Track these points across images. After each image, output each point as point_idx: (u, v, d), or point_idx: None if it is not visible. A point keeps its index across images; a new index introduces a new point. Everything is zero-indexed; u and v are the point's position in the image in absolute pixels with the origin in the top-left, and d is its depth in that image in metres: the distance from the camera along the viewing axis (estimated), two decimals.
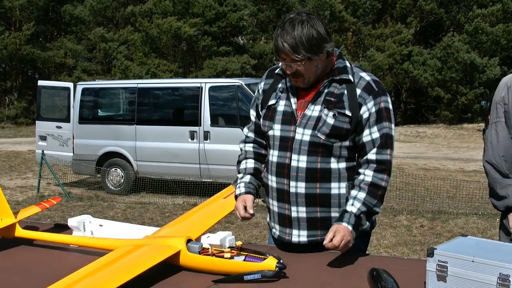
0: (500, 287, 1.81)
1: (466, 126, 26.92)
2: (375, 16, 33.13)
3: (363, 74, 2.50)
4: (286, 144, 2.50)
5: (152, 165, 11.09)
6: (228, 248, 2.30)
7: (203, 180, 10.76)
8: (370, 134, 2.46)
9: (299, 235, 2.55)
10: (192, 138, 10.68)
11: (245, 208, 2.57)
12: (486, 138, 2.92)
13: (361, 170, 2.49)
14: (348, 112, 2.43)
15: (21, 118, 31.66)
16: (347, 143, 2.47)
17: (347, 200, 2.47)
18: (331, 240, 2.31)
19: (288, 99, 2.54)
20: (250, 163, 2.71)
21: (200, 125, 10.62)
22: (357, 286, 2.14)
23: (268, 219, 2.75)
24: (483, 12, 28.79)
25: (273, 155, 2.56)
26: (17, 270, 2.43)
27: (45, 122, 12.41)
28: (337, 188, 2.50)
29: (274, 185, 2.56)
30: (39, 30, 33.58)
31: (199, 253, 2.30)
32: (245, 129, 2.80)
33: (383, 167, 2.47)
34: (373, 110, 2.44)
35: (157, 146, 10.97)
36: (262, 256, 2.22)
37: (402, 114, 33.07)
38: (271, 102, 2.58)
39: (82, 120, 11.79)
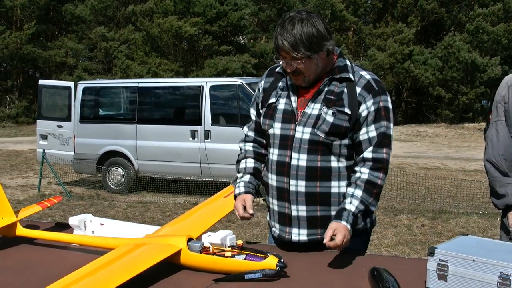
0: (501, 286, 1.81)
1: (467, 126, 26.91)
2: (376, 15, 33.11)
3: (364, 73, 2.50)
4: (286, 142, 2.50)
5: (153, 164, 11.09)
6: (229, 247, 2.30)
7: (204, 179, 10.76)
8: (367, 133, 2.45)
9: (299, 234, 2.55)
10: (193, 137, 10.68)
11: (245, 207, 2.56)
12: (487, 137, 2.94)
13: (357, 168, 2.48)
14: (347, 110, 2.43)
15: (22, 117, 31.68)
16: (346, 141, 2.47)
17: (344, 197, 2.46)
18: (331, 238, 2.30)
19: (288, 97, 2.53)
20: (250, 163, 2.69)
21: (201, 124, 10.62)
22: (358, 285, 2.14)
23: (268, 218, 2.75)
24: (484, 11, 28.76)
25: (273, 154, 2.55)
26: (18, 269, 2.43)
27: (46, 121, 12.42)
28: (337, 186, 2.49)
29: (274, 183, 2.55)
30: (40, 29, 33.59)
31: (200, 252, 2.30)
32: (245, 128, 2.79)
33: (379, 165, 2.46)
34: (372, 108, 2.44)
35: (158, 145, 10.97)
36: (263, 255, 2.22)
37: (403, 114, 33.06)
38: (272, 100, 2.58)
39: (83, 119, 11.79)
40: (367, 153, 2.45)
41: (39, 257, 2.60)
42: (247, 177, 2.66)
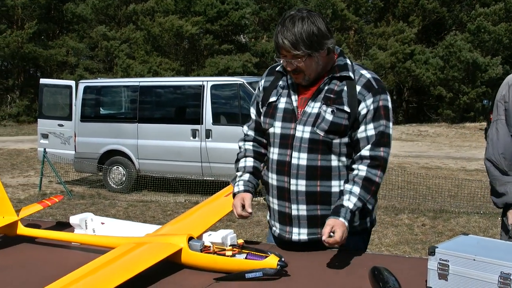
0: (501, 286, 1.81)
1: (468, 125, 26.89)
2: (377, 14, 33.10)
3: (364, 72, 2.49)
4: (287, 141, 2.49)
5: (154, 163, 11.09)
6: (229, 246, 2.30)
7: (205, 178, 10.76)
8: (365, 131, 2.44)
9: (299, 233, 2.54)
10: (194, 136, 10.69)
11: (243, 206, 2.54)
12: (488, 136, 2.95)
13: (354, 166, 2.47)
14: (346, 108, 2.42)
15: (23, 116, 31.70)
16: (346, 139, 2.46)
17: (341, 194, 2.43)
18: (330, 235, 2.27)
19: (289, 96, 2.53)
20: (249, 162, 2.68)
21: (202, 124, 10.62)
22: (359, 285, 2.14)
23: (268, 217, 2.74)
24: (486, 11, 28.75)
25: (274, 153, 2.55)
26: (19, 268, 2.43)
27: (47, 120, 12.43)
28: (338, 186, 2.48)
29: (275, 183, 2.55)
30: (41, 28, 33.60)
31: (201, 251, 2.30)
32: (245, 127, 2.77)
33: (376, 162, 2.44)
34: (371, 107, 2.43)
35: (159, 144, 10.97)
36: (264, 254, 2.22)
37: (404, 113, 33.04)
38: (272, 99, 2.57)
39: (84, 118, 11.80)
40: (365, 151, 2.44)
41: (40, 256, 2.61)
42: (246, 176, 2.64)
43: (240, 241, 2.34)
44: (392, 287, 1.97)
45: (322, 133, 2.43)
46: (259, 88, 2.69)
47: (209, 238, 2.34)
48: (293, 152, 2.47)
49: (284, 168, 2.50)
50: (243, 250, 2.28)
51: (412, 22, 31.08)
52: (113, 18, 33.70)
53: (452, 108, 29.07)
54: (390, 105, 2.50)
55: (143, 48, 29.55)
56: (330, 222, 2.32)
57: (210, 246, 2.32)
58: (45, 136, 12.37)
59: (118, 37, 30.75)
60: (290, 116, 2.50)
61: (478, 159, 15.44)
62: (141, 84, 11.71)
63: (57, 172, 11.27)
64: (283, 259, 2.20)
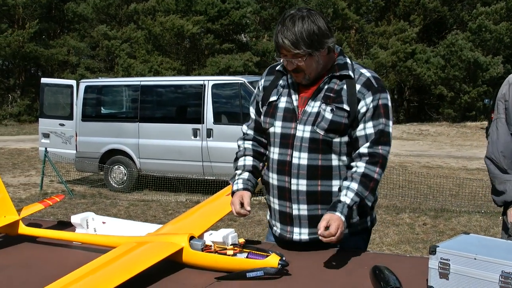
0: (502, 285, 1.82)
1: (469, 124, 26.87)
2: (378, 13, 33.08)
3: (364, 71, 2.49)
4: (287, 141, 2.49)
5: (155, 162, 11.10)
6: (230, 245, 2.30)
7: (206, 177, 10.76)
8: (364, 129, 2.43)
9: (300, 233, 2.54)
10: (195, 135, 10.69)
11: (242, 204, 2.52)
12: (488, 134, 2.96)
13: (353, 163, 2.46)
14: (346, 107, 2.42)
15: (24, 116, 31.71)
16: (346, 138, 2.46)
17: (339, 190, 2.42)
18: (325, 229, 2.25)
19: (289, 95, 2.52)
20: (248, 161, 2.67)
21: (203, 123, 10.63)
22: (360, 284, 2.14)
23: (268, 217, 2.74)
24: (487, 10, 28.73)
25: (274, 153, 2.54)
26: (20, 267, 2.44)
27: (48, 119, 12.43)
28: (338, 185, 2.47)
29: (275, 182, 2.54)
30: (42, 28, 33.60)
31: (202, 250, 2.30)
32: (244, 127, 2.76)
33: (375, 159, 2.42)
34: (371, 106, 2.42)
35: (160, 144, 10.98)
36: (265, 253, 2.23)
37: (405, 112, 33.02)
38: (272, 98, 2.56)
39: (85, 117, 11.80)
40: (363, 148, 2.43)
41: (41, 255, 2.61)
42: (245, 175, 2.63)
43: (241, 240, 2.34)
44: (393, 286, 1.97)
45: (322, 132, 2.42)
46: (258, 88, 2.68)
47: (210, 237, 2.34)
48: (294, 152, 2.47)
49: (284, 167, 2.50)
50: (244, 249, 2.28)
51: (413, 21, 31.06)
52: (114, 18, 33.70)
53: (453, 107, 29.06)
54: (389, 103, 2.49)
55: (144, 47, 29.55)
56: (326, 216, 2.30)
57: (211, 245, 2.32)
58: (46, 135, 12.38)
59: (119, 37, 30.75)
60: (291, 115, 2.50)
61: (479, 158, 15.41)
62: (142, 83, 11.71)
63: (58, 172, 11.27)
64: (284, 258, 2.20)
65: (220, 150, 10.25)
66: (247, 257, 2.24)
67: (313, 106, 2.46)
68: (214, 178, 10.61)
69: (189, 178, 10.95)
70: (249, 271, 2.17)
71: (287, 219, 2.55)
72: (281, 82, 2.58)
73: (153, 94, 11.69)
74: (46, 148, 11.33)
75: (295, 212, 2.51)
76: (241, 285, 2.14)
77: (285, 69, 2.55)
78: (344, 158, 2.49)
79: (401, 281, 2.00)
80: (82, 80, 12.71)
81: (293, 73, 2.47)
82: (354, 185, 2.38)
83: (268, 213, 2.73)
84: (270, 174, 2.57)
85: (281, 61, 2.50)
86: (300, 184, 2.47)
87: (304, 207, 2.49)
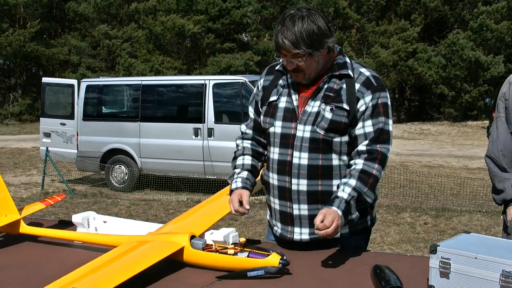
0: (503, 284, 1.82)
1: (470, 124, 26.85)
2: (379, 13, 33.06)
3: (363, 70, 2.49)
4: (287, 141, 2.48)
5: (156, 162, 11.10)
6: (231, 244, 2.30)
7: (207, 177, 10.77)
8: (363, 127, 2.43)
9: (301, 233, 2.53)
10: (196, 135, 10.69)
11: (241, 202, 2.50)
12: (490, 133, 2.98)
13: (352, 162, 2.45)
14: (345, 106, 2.41)
15: (25, 115, 31.72)
16: (346, 138, 2.45)
17: (337, 187, 2.41)
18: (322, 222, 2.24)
19: (289, 95, 2.52)
20: (247, 160, 2.65)
21: (204, 122, 10.63)
22: (360, 283, 2.14)
23: (268, 216, 2.73)
24: (488, 9, 28.71)
25: (274, 153, 2.54)
26: (22, 266, 2.44)
27: (49, 119, 12.44)
28: None
29: (276, 182, 2.54)
30: (43, 27, 33.61)
31: (203, 250, 2.31)
32: (243, 126, 2.76)
33: (374, 156, 2.41)
34: (370, 104, 2.41)
35: (161, 143, 10.98)
36: (266, 253, 2.23)
37: (406, 111, 33.00)
38: (272, 98, 2.56)
39: (86, 117, 11.81)
40: (362, 146, 2.42)
41: (42, 255, 2.61)
42: (244, 173, 2.61)
43: (242, 239, 2.34)
44: (394, 286, 1.97)
45: (322, 132, 2.42)
46: (258, 87, 2.68)
47: (211, 237, 2.34)
48: (294, 152, 2.46)
49: (285, 167, 2.49)
50: (245, 249, 2.28)
51: (414, 21, 31.05)
52: (115, 17, 33.71)
53: (454, 106, 29.04)
54: (389, 102, 2.49)
55: (145, 47, 29.55)
56: (323, 211, 2.28)
57: (212, 245, 2.32)
58: (47, 135, 12.39)
59: (120, 36, 30.76)
60: (291, 115, 2.49)
61: (480, 158, 15.40)
62: (143, 83, 11.72)
63: (59, 171, 11.28)
64: (285, 258, 2.20)
65: (221, 149, 10.25)
66: (248, 256, 2.24)
67: (313, 106, 2.46)
68: (215, 177, 10.61)
69: (190, 178, 10.95)
70: (250, 270, 2.17)
71: (287, 219, 2.55)
72: (280, 82, 2.57)
73: (154, 94, 11.70)
74: (47, 148, 11.35)
75: (295, 212, 2.51)
76: (242, 284, 2.14)
77: (284, 69, 2.54)
78: (344, 157, 2.48)
79: (401, 280, 2.00)
80: (83, 80, 12.71)
81: (293, 73, 2.47)
82: (352, 181, 2.37)
83: (268, 213, 2.72)
84: (270, 174, 2.57)
85: (281, 60, 2.50)
86: (300, 184, 2.47)
87: (304, 207, 2.49)
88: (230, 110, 10.94)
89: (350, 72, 2.46)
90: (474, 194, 9.62)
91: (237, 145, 2.73)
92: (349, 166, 2.46)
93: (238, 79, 10.72)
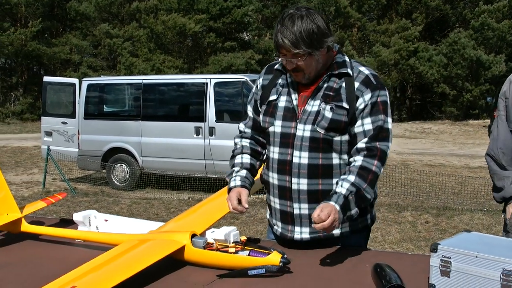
0: (503, 283, 1.82)
1: (472, 123, 26.83)
2: (380, 12, 33.04)
3: (362, 68, 2.48)
4: (287, 140, 2.48)
5: (158, 160, 11.11)
6: (232, 243, 2.30)
7: (208, 175, 10.78)
8: (362, 125, 2.42)
9: (301, 232, 2.53)
10: (197, 134, 10.70)
11: (239, 201, 2.49)
12: (491, 132, 3.00)
13: (351, 159, 2.44)
14: (345, 105, 2.41)
15: (26, 114, 31.74)
16: (347, 137, 2.45)
17: (336, 184, 2.40)
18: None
19: (289, 94, 2.52)
20: (246, 158, 2.65)
21: (205, 121, 10.63)
22: (361, 281, 2.15)
23: (268, 216, 2.73)
24: (489, 8, 28.68)
25: (274, 152, 2.53)
26: (23, 265, 2.44)
27: (51, 118, 12.45)
28: None
29: (276, 182, 2.54)
30: (45, 26, 33.62)
31: (204, 248, 2.31)
32: (241, 125, 2.75)
33: (373, 153, 2.40)
34: (369, 102, 2.41)
35: (163, 142, 10.99)
36: (266, 251, 2.23)
37: (408, 110, 32.99)
38: (272, 97, 2.55)
39: (88, 116, 11.83)
40: (361, 144, 2.42)
41: (44, 253, 2.62)
42: (243, 172, 2.60)
43: (243, 238, 2.34)
44: (395, 284, 1.97)
45: (322, 131, 2.42)
46: (257, 86, 2.67)
47: (212, 235, 2.34)
48: (294, 151, 2.46)
49: (285, 167, 2.49)
50: (246, 247, 2.28)
51: (415, 20, 31.02)
52: (116, 16, 33.71)
53: (456, 105, 29.02)
54: (388, 101, 2.48)
55: (146, 46, 29.56)
56: (320, 205, 2.27)
57: (213, 243, 2.32)
58: (48, 133, 12.40)
59: (121, 35, 30.76)
60: (291, 115, 2.49)
61: (482, 157, 15.32)
62: (145, 82, 11.72)
63: (60, 170, 11.29)
64: (285, 256, 2.20)
65: (222, 148, 10.25)
66: (248, 254, 2.25)
67: (313, 105, 2.45)
68: (216, 176, 10.62)
69: (191, 176, 10.96)
70: (251, 268, 2.17)
71: (288, 218, 2.55)
72: (280, 81, 2.57)
73: (155, 93, 11.70)
74: (48, 146, 11.36)
75: (296, 211, 2.51)
76: (243, 283, 2.15)
77: (283, 68, 2.54)
78: (345, 156, 2.48)
79: (402, 279, 2.01)
80: (84, 79, 12.72)
81: (293, 73, 2.46)
82: (351, 177, 2.36)
83: (268, 212, 2.72)
84: (270, 173, 2.56)
85: (280, 60, 2.50)
86: (301, 183, 2.46)
87: (305, 206, 2.49)
88: (231, 109, 10.95)
89: (349, 70, 2.45)
90: (475, 193, 9.62)
91: (236, 144, 2.72)
92: (349, 164, 2.46)
93: (239, 78, 10.73)
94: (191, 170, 10.87)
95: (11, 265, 2.44)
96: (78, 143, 11.86)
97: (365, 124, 2.42)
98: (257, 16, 32.13)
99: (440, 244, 1.98)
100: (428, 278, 2.02)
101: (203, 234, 2.44)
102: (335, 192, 2.33)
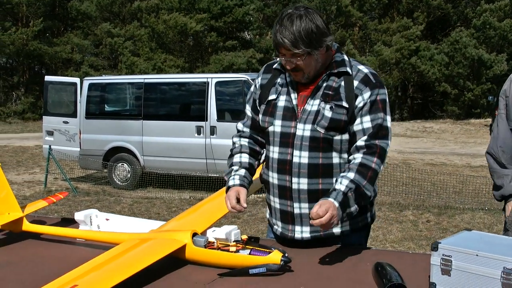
0: (504, 281, 1.82)
1: (473, 122, 26.84)
2: (382, 11, 33.04)
3: (361, 67, 2.48)
4: (287, 140, 2.47)
5: (159, 160, 11.12)
6: (233, 242, 2.30)
7: (210, 175, 10.78)
8: (361, 123, 2.41)
9: (302, 231, 2.53)
10: (199, 133, 10.70)
11: (238, 200, 2.48)
12: (492, 131, 3.01)
13: (350, 157, 2.43)
14: (345, 104, 2.40)
15: (28, 114, 31.78)
16: (346, 136, 2.44)
17: (336, 181, 2.39)
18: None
19: (288, 94, 2.51)
20: (244, 158, 2.63)
21: (207, 120, 10.64)
22: (362, 280, 2.15)
23: (268, 215, 2.72)
24: (491, 7, 28.67)
25: (274, 152, 2.52)
26: (24, 264, 2.45)
27: (52, 117, 12.47)
28: None
29: (276, 181, 2.53)
30: (46, 26, 33.67)
31: (205, 247, 2.31)
32: (240, 124, 2.73)
33: (373, 150, 2.39)
34: (368, 100, 2.40)
35: (164, 141, 11.00)
36: (267, 250, 2.23)
37: (409, 109, 32.98)
38: (271, 97, 2.54)
39: (89, 115, 11.84)
40: (360, 142, 2.41)
41: (45, 252, 2.62)
42: (242, 171, 2.59)
43: (244, 237, 2.34)
44: (395, 283, 1.98)
45: (322, 131, 2.41)
46: (255, 86, 2.66)
47: (213, 234, 2.34)
48: (294, 151, 2.45)
49: (285, 167, 2.48)
50: (246, 246, 2.28)
51: (417, 18, 31.02)
52: (117, 15, 33.74)
53: (457, 104, 29.03)
54: (387, 99, 2.48)
55: (148, 45, 29.59)
56: (319, 202, 2.26)
57: (214, 242, 2.32)
58: (50, 133, 12.41)
59: (122, 34, 30.80)
60: (290, 114, 2.48)
61: (483, 156, 15.21)
62: (146, 81, 11.73)
63: (62, 169, 11.30)
64: (286, 255, 2.20)
65: (223, 147, 10.23)
66: (249, 253, 2.25)
67: (313, 105, 2.45)
68: (217, 175, 10.62)
69: (192, 176, 10.96)
70: (252, 267, 2.17)
71: (288, 217, 2.54)
72: (279, 80, 2.56)
73: (157, 92, 11.71)
74: (50, 146, 11.38)
75: (296, 210, 2.51)
76: (244, 282, 2.15)
77: (282, 67, 2.53)
78: (345, 155, 2.47)
79: (403, 278, 2.01)
80: (86, 78, 12.74)
81: (292, 72, 2.45)
82: (351, 174, 2.35)
83: (268, 211, 2.71)
84: (270, 173, 2.55)
85: (278, 59, 2.49)
86: (301, 183, 2.46)
87: (305, 205, 2.48)
88: (232, 108, 10.94)
89: (348, 69, 2.45)
90: (476, 192, 9.61)
91: (234, 143, 2.71)
92: (348, 162, 2.45)
93: (240, 77, 10.73)
94: (192, 169, 10.88)
95: (13, 264, 2.45)
96: (80, 143, 11.87)
97: (364, 122, 2.41)
98: (258, 15, 32.14)
99: (440, 242, 1.98)
100: (429, 276, 2.02)
101: (204, 233, 2.44)
102: (334, 189, 2.32)
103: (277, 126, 2.50)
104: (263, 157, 2.69)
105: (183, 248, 2.32)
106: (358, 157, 2.39)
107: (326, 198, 2.28)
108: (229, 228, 2.34)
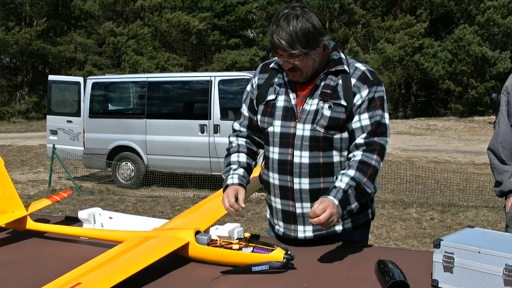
0: (506, 278, 1.82)
1: (477, 119, 26.78)
2: (385, 8, 33.00)
3: (359, 65, 2.47)
4: (287, 140, 2.46)
5: (163, 158, 11.14)
6: (236, 239, 2.31)
7: (213, 173, 10.79)
8: (359, 121, 2.41)
9: (305, 231, 2.52)
10: (202, 131, 10.71)
11: (236, 199, 2.46)
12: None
13: (350, 155, 2.43)
14: (343, 102, 2.40)
15: (32, 113, 31.87)
16: (346, 134, 2.44)
17: (336, 178, 2.38)
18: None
19: (287, 94, 2.50)
20: (242, 157, 2.63)
21: (210, 119, 10.65)
22: (364, 277, 2.15)
23: (268, 215, 2.72)
24: (494, 4, 28.59)
25: (274, 152, 2.51)
26: (28, 262, 2.46)
27: (56, 116, 12.50)
28: None
29: (277, 182, 2.52)
30: (50, 25, 33.76)
31: (208, 245, 2.31)
32: (236, 124, 2.73)
33: (372, 147, 2.39)
34: (366, 98, 2.40)
35: (167, 140, 11.01)
36: (270, 248, 2.23)
37: (413, 107, 32.93)
38: (270, 97, 2.53)
39: (93, 114, 11.86)
40: (360, 139, 2.40)
41: (49, 250, 2.63)
42: (241, 171, 2.58)
43: (247, 234, 2.34)
44: (398, 280, 1.98)
45: (322, 130, 2.40)
46: (252, 85, 2.65)
47: (216, 232, 2.35)
48: (295, 151, 2.44)
49: (286, 167, 2.47)
50: (249, 244, 2.28)
51: (420, 16, 30.97)
52: (120, 14, 33.78)
53: (461, 102, 28.98)
54: (385, 97, 2.48)
55: (151, 44, 29.62)
56: (318, 200, 2.26)
57: (217, 240, 2.33)
58: (54, 132, 12.44)
59: (125, 33, 30.83)
60: (290, 114, 2.47)
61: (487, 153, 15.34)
62: (149, 80, 11.75)
63: (66, 168, 11.33)
64: (289, 252, 2.21)
65: (227, 145, 10.24)
66: (252, 251, 2.25)
67: (311, 104, 2.44)
68: (221, 173, 10.61)
69: (196, 174, 10.98)
70: (255, 265, 2.18)
71: (290, 217, 2.54)
72: (276, 80, 2.55)
73: (160, 91, 11.73)
74: (54, 145, 11.41)
75: (298, 210, 2.50)
76: (247, 279, 2.15)
77: (279, 67, 2.52)
78: (345, 153, 2.47)
79: (405, 275, 2.01)
80: (89, 77, 12.75)
81: (290, 72, 2.44)
82: (351, 172, 2.34)
83: (269, 212, 2.70)
84: (271, 174, 2.54)
85: (276, 59, 2.48)
86: (302, 183, 2.45)
87: (307, 205, 2.47)
88: (236, 107, 10.92)
89: (345, 67, 2.44)
90: (480, 189, 9.61)
91: (231, 142, 2.70)
92: (348, 159, 2.45)
93: (243, 75, 10.74)
94: (196, 168, 10.89)
95: (17, 262, 2.46)
96: (83, 142, 11.89)
97: (362, 120, 2.41)
98: (261, 13, 32.15)
99: (443, 240, 1.98)
100: (431, 274, 2.02)
101: (207, 231, 2.45)
102: (335, 187, 2.32)
103: (276, 126, 2.49)
104: (260, 158, 2.69)
105: (186, 246, 2.33)
106: (357, 155, 2.39)
107: (326, 196, 2.27)
108: (232, 226, 2.35)
